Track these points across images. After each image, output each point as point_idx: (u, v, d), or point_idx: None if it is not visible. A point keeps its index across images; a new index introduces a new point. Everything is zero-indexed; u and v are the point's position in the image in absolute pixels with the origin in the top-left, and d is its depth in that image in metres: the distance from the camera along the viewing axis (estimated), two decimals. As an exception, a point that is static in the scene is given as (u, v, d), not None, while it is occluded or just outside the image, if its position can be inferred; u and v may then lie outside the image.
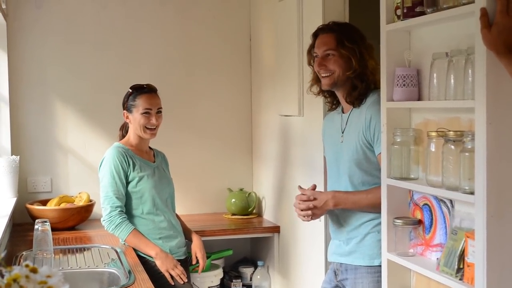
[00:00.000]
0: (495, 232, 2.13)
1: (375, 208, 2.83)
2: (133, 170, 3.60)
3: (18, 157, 4.26)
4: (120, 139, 3.75)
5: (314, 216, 3.02)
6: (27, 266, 1.33)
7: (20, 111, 4.50)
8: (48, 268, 1.35)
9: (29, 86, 4.52)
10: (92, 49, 4.61)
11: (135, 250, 3.54)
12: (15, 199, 4.14)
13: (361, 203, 2.92)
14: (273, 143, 4.49)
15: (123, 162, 3.58)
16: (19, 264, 2.86)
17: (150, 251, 3.52)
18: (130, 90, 3.71)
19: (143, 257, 3.50)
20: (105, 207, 3.55)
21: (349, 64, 2.94)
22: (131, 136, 3.70)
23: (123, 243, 3.60)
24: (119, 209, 3.53)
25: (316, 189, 3.08)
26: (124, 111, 3.70)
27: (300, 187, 3.11)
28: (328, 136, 3.18)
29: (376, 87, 2.94)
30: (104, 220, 3.54)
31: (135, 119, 3.65)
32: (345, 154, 2.98)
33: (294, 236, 4.12)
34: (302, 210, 3.02)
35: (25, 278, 1.30)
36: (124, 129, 3.78)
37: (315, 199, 2.99)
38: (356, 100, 2.97)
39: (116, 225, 3.51)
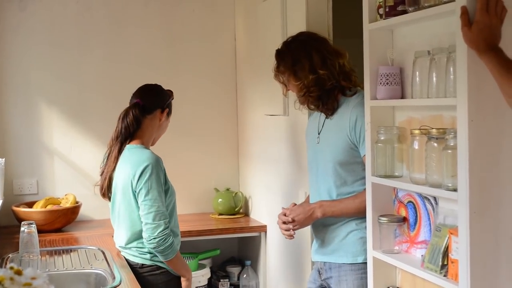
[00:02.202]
0: (478, 228, 2.15)
1: (363, 213, 2.83)
2: (166, 180, 3.32)
3: (4, 159, 4.24)
4: (130, 134, 3.33)
5: (301, 226, 3.05)
6: (11, 268, 1.33)
7: (5, 114, 4.49)
8: (33, 270, 1.35)
9: (13, 89, 4.51)
10: (76, 51, 4.61)
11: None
12: (0, 201, 4.12)
13: (349, 209, 2.93)
14: (259, 143, 4.50)
15: (163, 172, 3.28)
16: (5, 267, 2.87)
17: (185, 273, 3.33)
18: (171, 94, 3.52)
19: (135, 268, 3.34)
20: (159, 223, 3.16)
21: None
22: (151, 137, 3.42)
23: (161, 260, 3.27)
24: (169, 225, 3.22)
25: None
26: (167, 109, 3.45)
27: (283, 208, 3.15)
28: (308, 136, 3.21)
29: (352, 88, 2.97)
30: (155, 238, 3.15)
31: (166, 124, 3.49)
32: (326, 155, 3.00)
33: (281, 235, 4.10)
34: (285, 230, 3.07)
35: (9, 280, 1.30)
36: (133, 126, 3.34)
37: (293, 220, 3.03)
38: (321, 109, 3.01)
39: (169, 245, 3.18)
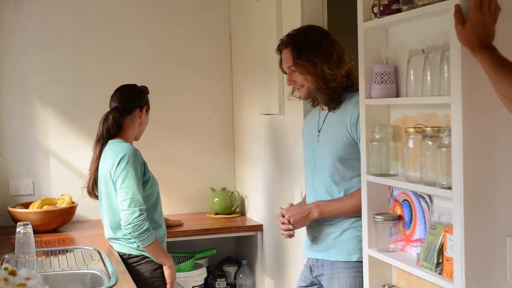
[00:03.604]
0: (472, 226, 2.15)
1: (360, 212, 2.82)
2: (146, 171, 3.47)
3: (0, 160, 4.26)
4: (111, 135, 3.50)
5: (297, 226, 3.05)
6: (6, 269, 1.33)
7: (0, 114, 4.49)
8: (27, 270, 1.35)
9: (9, 89, 4.51)
10: (72, 50, 4.60)
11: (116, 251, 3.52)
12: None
13: (346, 209, 2.93)
14: (255, 142, 4.51)
15: (141, 163, 3.42)
16: (0, 267, 2.86)
17: (165, 260, 3.43)
18: (147, 90, 3.65)
19: (123, 258, 3.45)
20: (133, 210, 3.29)
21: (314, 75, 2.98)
22: (133, 134, 3.57)
23: (141, 248, 3.41)
24: (145, 213, 3.33)
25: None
26: (145, 106, 3.60)
27: (281, 208, 3.15)
28: (306, 135, 3.20)
29: (354, 85, 2.96)
30: (130, 224, 3.29)
31: (146, 119, 3.63)
32: (325, 150, 2.99)
33: (277, 234, 4.13)
34: (284, 230, 3.07)
35: (3, 281, 1.30)
36: (113, 128, 3.50)
37: (289, 221, 3.03)
38: (331, 103, 3.00)
39: (144, 230, 3.30)
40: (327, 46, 2.97)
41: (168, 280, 3.45)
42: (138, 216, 3.30)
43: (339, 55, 2.96)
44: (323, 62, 2.94)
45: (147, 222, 3.32)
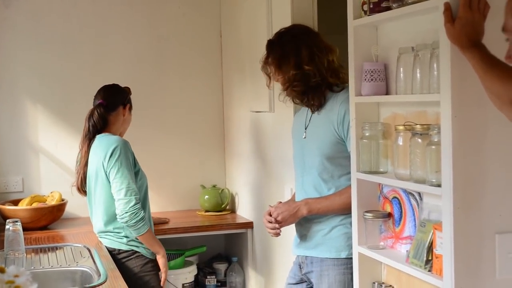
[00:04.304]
0: (461, 223, 2.16)
1: (349, 210, 2.83)
2: (136, 163, 3.54)
3: (-11, 157, 4.24)
4: (98, 131, 3.56)
5: (285, 224, 3.05)
6: (-6, 266, 1.33)
7: (-10, 111, 4.48)
8: (16, 267, 1.35)
9: (-2, 86, 4.50)
10: (61, 48, 4.59)
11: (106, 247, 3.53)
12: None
13: (335, 206, 2.93)
14: (245, 139, 4.51)
15: (132, 154, 3.50)
16: (-10, 265, 2.84)
17: (159, 249, 3.51)
18: (129, 90, 3.73)
19: (113, 254, 3.48)
20: (129, 199, 3.36)
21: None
22: (118, 131, 3.64)
23: (134, 238, 3.48)
24: (140, 202, 3.40)
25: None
26: (128, 104, 3.69)
27: (269, 206, 3.16)
28: (295, 132, 3.21)
29: (339, 84, 2.97)
30: (126, 212, 3.34)
31: (129, 118, 3.72)
32: (314, 149, 3.00)
33: (267, 231, 4.13)
34: (271, 229, 3.08)
35: (-8, 278, 1.30)
36: (99, 123, 3.56)
37: (276, 220, 3.04)
38: (312, 105, 3.01)
39: (140, 219, 3.36)
40: (289, 50, 2.99)
41: (162, 269, 3.51)
42: (134, 204, 3.36)
43: (297, 62, 2.96)
44: (276, 65, 3.02)
45: (142, 211, 3.39)
